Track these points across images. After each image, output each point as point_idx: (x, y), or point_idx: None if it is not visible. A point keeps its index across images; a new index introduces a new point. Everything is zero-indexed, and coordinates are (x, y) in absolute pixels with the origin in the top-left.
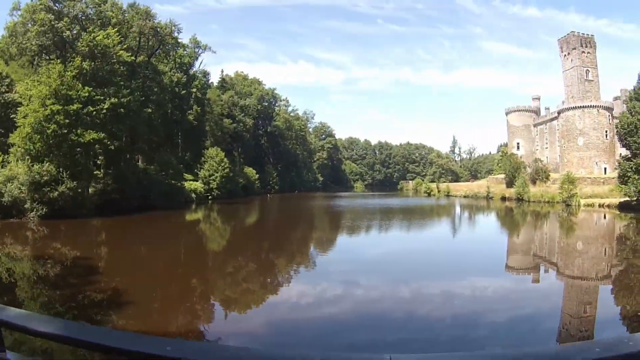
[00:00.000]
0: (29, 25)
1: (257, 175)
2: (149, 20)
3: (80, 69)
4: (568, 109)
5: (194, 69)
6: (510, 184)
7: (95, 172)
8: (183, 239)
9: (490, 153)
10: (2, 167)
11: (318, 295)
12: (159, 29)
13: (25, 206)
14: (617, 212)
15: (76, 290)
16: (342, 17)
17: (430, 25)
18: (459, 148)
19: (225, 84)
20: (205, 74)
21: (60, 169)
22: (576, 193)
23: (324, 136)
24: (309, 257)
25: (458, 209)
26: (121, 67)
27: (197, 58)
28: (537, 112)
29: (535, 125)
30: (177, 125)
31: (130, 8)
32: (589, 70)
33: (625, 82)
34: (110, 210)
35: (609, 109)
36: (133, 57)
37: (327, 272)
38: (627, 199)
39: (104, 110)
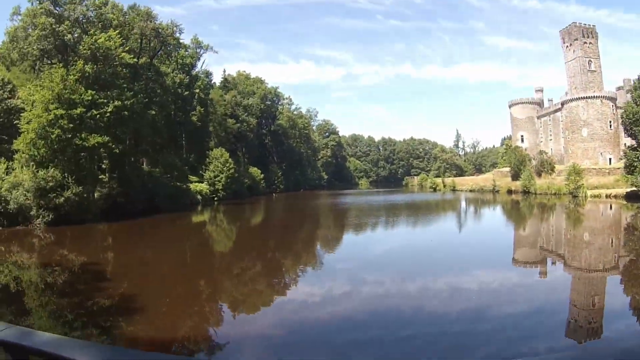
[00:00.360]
0: (30, 29)
1: (262, 175)
2: (150, 22)
3: (83, 73)
4: (571, 100)
5: (196, 70)
6: (515, 176)
7: (100, 176)
8: (190, 241)
9: (494, 146)
10: (7, 174)
11: (325, 293)
12: (160, 30)
13: (31, 213)
14: (624, 202)
15: (85, 297)
16: (341, 13)
17: (430, 20)
18: (463, 142)
19: (227, 83)
20: (208, 74)
21: (66, 174)
22: (583, 184)
23: (327, 134)
24: (315, 255)
25: (464, 204)
26: (123, 69)
27: (199, 58)
28: (540, 104)
29: (538, 118)
30: (180, 126)
31: (130, 10)
32: (591, 61)
33: (627, 72)
34: (116, 214)
35: (613, 99)
36: (135, 59)
37: (334, 270)
38: (634, 188)
39: (108, 114)
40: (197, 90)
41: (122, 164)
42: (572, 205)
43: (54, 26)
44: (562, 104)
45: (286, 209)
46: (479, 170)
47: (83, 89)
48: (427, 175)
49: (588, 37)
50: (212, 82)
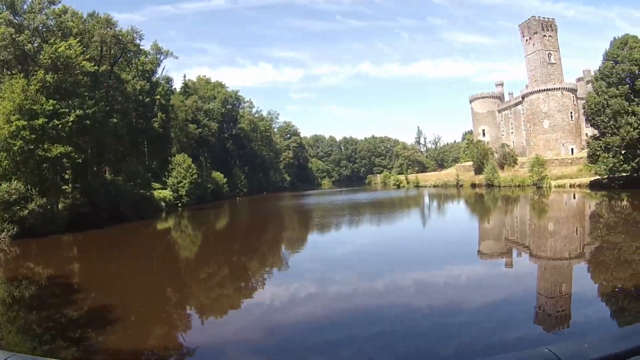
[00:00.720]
0: None
1: (225, 179)
2: (110, 29)
3: (44, 82)
4: (532, 93)
5: (157, 76)
6: (478, 170)
7: (63, 187)
8: (157, 249)
9: (455, 142)
10: None
11: (293, 295)
12: (120, 37)
13: None
14: (589, 191)
15: (54, 310)
16: (300, 15)
17: (389, 19)
18: (424, 138)
19: (188, 89)
20: (168, 80)
21: (29, 185)
22: (546, 175)
23: (289, 135)
24: (282, 257)
25: (429, 199)
26: (84, 77)
27: (159, 64)
28: (501, 98)
29: (499, 111)
30: (142, 133)
31: (90, 17)
32: (551, 54)
33: (587, 63)
34: (81, 224)
35: (573, 91)
36: (96, 67)
37: (300, 271)
38: (598, 177)
39: (70, 123)
40: (158, 97)
41: (85, 173)
42: (536, 196)
43: (13, 36)
44: (523, 97)
45: (251, 212)
46: (441, 165)
47: (44, 99)
48: (390, 173)
49: (547, 30)
50: (173, 87)
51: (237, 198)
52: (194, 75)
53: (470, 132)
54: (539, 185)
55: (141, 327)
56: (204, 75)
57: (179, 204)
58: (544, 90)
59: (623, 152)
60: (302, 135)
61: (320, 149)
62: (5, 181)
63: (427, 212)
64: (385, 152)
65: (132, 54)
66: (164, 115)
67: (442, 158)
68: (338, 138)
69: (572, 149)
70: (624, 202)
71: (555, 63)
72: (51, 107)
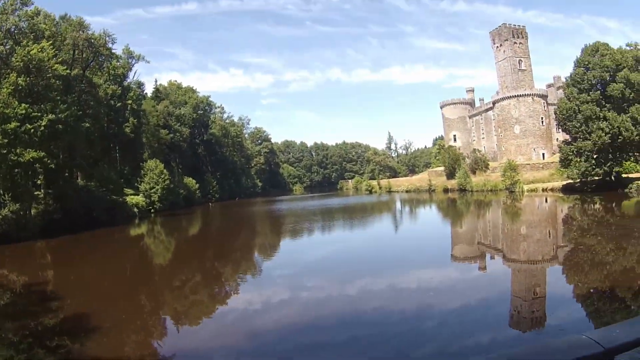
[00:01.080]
0: None
1: (197, 185)
2: (83, 32)
3: (16, 86)
4: (503, 99)
5: (128, 80)
6: (450, 175)
7: (35, 193)
8: (130, 255)
9: (426, 147)
10: None
11: (266, 301)
12: (92, 40)
13: None
14: (561, 195)
15: (28, 317)
16: (271, 21)
17: (359, 25)
18: (395, 144)
19: (159, 94)
20: (140, 85)
21: (1, 191)
22: (519, 180)
23: (260, 141)
24: (254, 263)
25: (402, 204)
26: (57, 81)
27: (130, 69)
28: (471, 103)
29: (470, 117)
30: (114, 138)
31: (62, 20)
32: (521, 60)
33: (557, 69)
34: (55, 230)
35: (544, 96)
36: (68, 71)
37: (273, 277)
38: (570, 181)
39: (42, 127)
40: (130, 101)
41: (57, 179)
42: (509, 201)
43: None
44: (494, 103)
45: (223, 218)
46: (412, 171)
47: (16, 102)
48: (362, 178)
49: (518, 37)
50: (144, 92)
51: (210, 204)
52: (165, 80)
53: (441, 138)
54: (511, 189)
55: (117, 334)
56: (175, 80)
57: (152, 210)
58: (515, 96)
59: (595, 156)
60: (273, 141)
61: (292, 155)
62: None
63: (400, 217)
64: (357, 158)
65: (104, 57)
66: (135, 120)
67: (413, 163)
68: (309, 144)
69: (543, 154)
70: (597, 205)
71: (525, 69)
72: (23, 111)
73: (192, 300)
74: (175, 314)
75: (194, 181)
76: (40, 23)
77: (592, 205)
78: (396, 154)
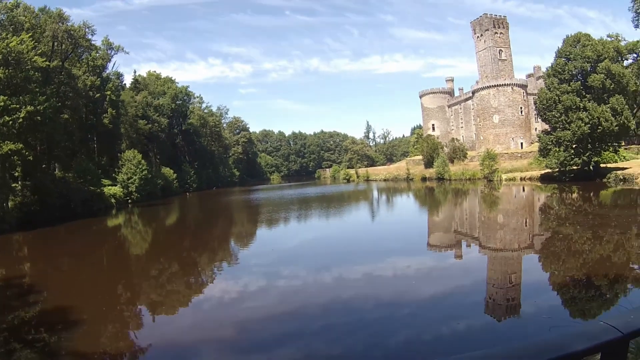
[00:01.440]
0: None
1: (175, 175)
2: (62, 24)
3: None
4: (483, 89)
5: (107, 71)
6: (428, 164)
7: (13, 185)
8: (108, 246)
9: (404, 136)
10: None
11: (243, 289)
12: (72, 32)
13: None
14: (539, 184)
15: (6, 310)
16: (250, 10)
17: (338, 15)
18: (373, 133)
19: (138, 84)
20: (119, 76)
21: None
22: (497, 169)
23: (238, 131)
24: (231, 252)
25: (379, 193)
26: (36, 73)
27: (109, 60)
28: (451, 93)
29: (449, 106)
30: (92, 129)
31: (41, 12)
32: (502, 50)
33: (537, 59)
34: (32, 223)
35: (523, 86)
36: (47, 63)
37: (250, 266)
38: (549, 170)
39: (20, 120)
40: (108, 92)
41: (34, 171)
42: (487, 189)
43: None
44: (473, 93)
45: (201, 208)
46: (390, 160)
47: None
48: (339, 167)
49: (499, 27)
50: (123, 83)
51: (187, 194)
52: (143, 71)
53: (420, 127)
54: (489, 178)
55: (96, 326)
56: (154, 71)
57: (129, 201)
58: (495, 86)
59: (574, 146)
60: (251, 130)
61: (269, 144)
62: None
63: (377, 206)
64: (334, 147)
65: (83, 49)
66: (114, 111)
67: (391, 152)
68: (287, 133)
69: (521, 143)
70: (575, 195)
71: (505, 59)
72: (2, 103)
73: (170, 290)
74: (153, 304)
75: (171, 171)
76: (19, 15)
77: (570, 194)
78: (374, 143)
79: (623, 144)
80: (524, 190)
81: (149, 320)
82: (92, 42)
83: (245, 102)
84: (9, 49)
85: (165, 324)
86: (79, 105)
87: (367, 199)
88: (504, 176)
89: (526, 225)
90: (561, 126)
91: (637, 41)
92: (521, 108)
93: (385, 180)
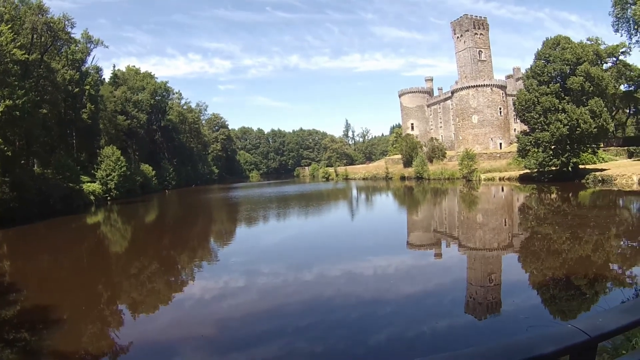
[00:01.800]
0: None
1: (154, 172)
2: (42, 16)
3: None
4: (462, 89)
5: (86, 65)
6: (407, 163)
7: None
8: (87, 244)
9: (383, 135)
10: None
11: (223, 288)
12: (52, 24)
13: None
14: (518, 184)
15: None
16: (230, 5)
17: (319, 12)
18: (353, 131)
19: (117, 79)
20: (98, 70)
21: None
22: (476, 169)
23: (217, 127)
24: (211, 250)
25: (358, 191)
26: (15, 66)
27: (89, 54)
28: (430, 93)
29: (429, 106)
30: (71, 125)
31: (21, 3)
32: (481, 51)
33: (516, 60)
34: (11, 220)
35: (502, 87)
36: (26, 55)
37: (229, 264)
38: (527, 171)
39: None
40: (88, 87)
41: (13, 166)
42: (466, 189)
43: None
44: (453, 93)
45: (180, 206)
46: (369, 158)
47: None
48: (318, 165)
49: (479, 28)
50: (102, 78)
51: (166, 191)
52: (123, 65)
53: (399, 126)
54: (468, 178)
55: (76, 325)
56: (134, 66)
57: (108, 198)
58: (474, 86)
59: (553, 147)
60: (230, 127)
61: (249, 142)
62: None
63: (356, 204)
64: (314, 145)
65: (62, 42)
66: (93, 106)
67: (370, 151)
68: (266, 130)
69: (500, 144)
70: (553, 195)
71: (485, 60)
72: None
73: (150, 289)
74: (134, 302)
75: (150, 168)
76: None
77: (548, 194)
78: (353, 141)
79: (602, 145)
80: (502, 190)
81: (130, 318)
82: (72, 35)
83: (224, 98)
84: None
85: (145, 322)
86: (57, 100)
87: (346, 197)
88: (482, 176)
89: (505, 225)
90: (540, 127)
91: (617, 45)
92: (500, 109)
93: (364, 179)
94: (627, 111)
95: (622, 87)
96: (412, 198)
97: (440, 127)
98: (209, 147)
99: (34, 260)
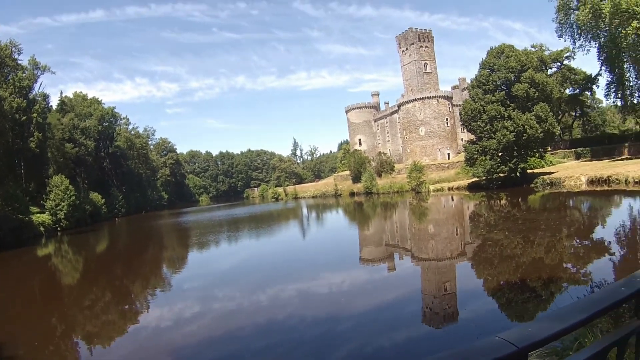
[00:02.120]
0: None
1: (103, 200)
2: None
3: None
4: (408, 102)
5: (34, 92)
6: (356, 179)
7: None
8: (39, 277)
9: (331, 152)
10: None
11: (177, 315)
12: None
13: None
14: (467, 193)
15: None
16: (177, 27)
17: (265, 31)
18: (301, 150)
19: (65, 106)
20: (45, 97)
21: None
22: (425, 180)
23: (165, 152)
24: (164, 278)
25: (308, 210)
26: None
27: (36, 80)
28: (376, 107)
29: (376, 120)
30: (19, 154)
31: None
32: (427, 64)
33: (462, 71)
34: None
35: (449, 98)
36: None
37: (183, 290)
38: (476, 179)
39: None
40: (35, 115)
41: None
42: (415, 201)
43: None
44: (399, 106)
45: (130, 233)
46: (318, 176)
47: None
48: (268, 186)
49: (424, 41)
50: (50, 105)
51: (116, 219)
52: (70, 92)
53: (347, 142)
54: (417, 190)
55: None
56: (81, 92)
57: (58, 228)
58: (420, 98)
59: (500, 154)
60: (178, 151)
61: (197, 165)
62: None
63: (306, 223)
64: (262, 165)
65: (9, 69)
66: (40, 135)
67: (319, 169)
68: (214, 153)
69: (448, 154)
70: (503, 201)
71: (431, 72)
72: None
73: (105, 320)
74: (89, 335)
75: (99, 196)
76: None
77: (498, 201)
78: (302, 160)
79: (549, 149)
80: (452, 199)
81: (86, 352)
82: (19, 62)
83: (172, 122)
84: None
85: (101, 355)
86: (5, 129)
87: (296, 216)
88: (431, 187)
89: (457, 234)
90: (487, 135)
91: (561, 50)
92: (447, 119)
93: (313, 197)
94: (573, 114)
95: (568, 91)
96: (362, 213)
97: (388, 140)
98: (158, 172)
99: None
